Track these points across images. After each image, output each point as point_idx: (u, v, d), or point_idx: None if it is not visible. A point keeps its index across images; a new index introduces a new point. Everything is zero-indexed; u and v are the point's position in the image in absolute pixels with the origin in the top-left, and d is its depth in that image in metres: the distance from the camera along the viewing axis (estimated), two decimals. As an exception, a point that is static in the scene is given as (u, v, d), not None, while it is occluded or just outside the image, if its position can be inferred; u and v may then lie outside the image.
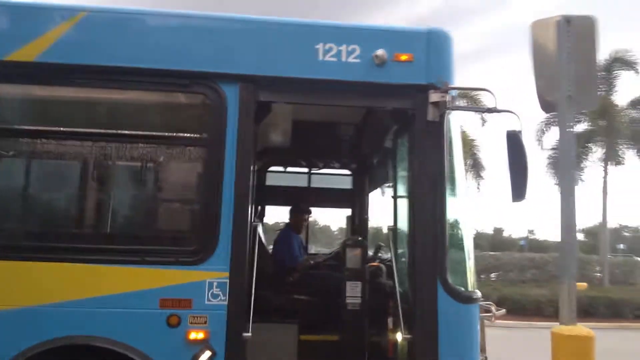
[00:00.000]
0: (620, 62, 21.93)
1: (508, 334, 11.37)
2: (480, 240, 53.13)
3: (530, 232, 61.07)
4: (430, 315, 3.34)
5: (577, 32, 3.38)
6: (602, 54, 21.64)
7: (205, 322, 3.16)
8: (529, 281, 21.48)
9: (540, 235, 70.98)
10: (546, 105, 3.53)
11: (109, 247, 3.32)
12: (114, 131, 3.43)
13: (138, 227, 3.65)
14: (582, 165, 22.43)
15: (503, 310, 4.77)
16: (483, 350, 4.13)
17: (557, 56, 3.37)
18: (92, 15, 3.42)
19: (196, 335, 3.14)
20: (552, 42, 3.41)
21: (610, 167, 22.76)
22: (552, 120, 21.53)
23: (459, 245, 3.72)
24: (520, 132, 3.46)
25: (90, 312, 3.12)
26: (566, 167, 3.44)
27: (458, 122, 3.82)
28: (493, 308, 4.34)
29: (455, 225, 3.68)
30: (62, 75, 3.38)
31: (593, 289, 17.57)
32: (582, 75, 3.36)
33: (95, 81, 3.41)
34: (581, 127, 22.72)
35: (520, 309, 14.49)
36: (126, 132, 3.43)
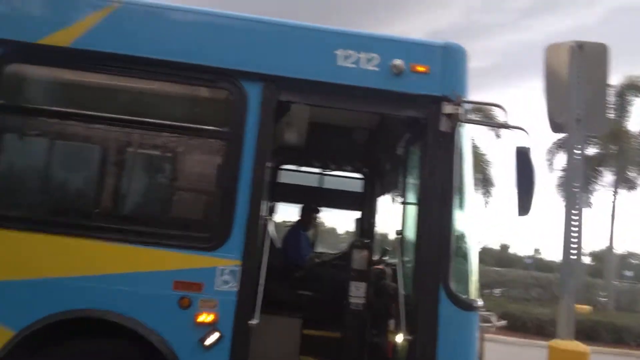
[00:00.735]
0: (633, 88, 21.82)
1: (508, 350, 11.41)
2: (486, 256, 52.81)
3: (537, 251, 60.56)
4: (431, 319, 3.42)
5: (589, 57, 3.49)
6: (615, 80, 21.56)
7: (214, 307, 3.30)
8: (533, 299, 21.37)
9: (546, 255, 70.42)
10: (556, 127, 3.64)
11: (129, 228, 3.47)
12: (140, 119, 3.58)
13: (157, 210, 3.81)
14: (591, 189, 22.32)
15: (504, 322, 4.87)
16: (481, 359, 4.23)
17: (568, 79, 3.48)
18: (126, 6, 3.58)
19: (205, 318, 3.28)
20: (564, 66, 3.52)
21: (622, 192, 22.64)
22: (563, 141, 21.51)
23: (463, 254, 3.80)
24: (529, 149, 3.57)
25: (107, 288, 3.27)
26: (572, 187, 3.54)
27: (470, 136, 3.94)
28: (493, 318, 4.42)
29: (460, 234, 3.77)
30: (96, 61, 3.54)
31: (597, 313, 17.39)
32: (592, 99, 3.47)
33: (126, 70, 3.56)
34: (592, 150, 22.64)
35: (522, 327, 14.44)
36: (151, 120, 3.58)
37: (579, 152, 3.52)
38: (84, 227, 3.44)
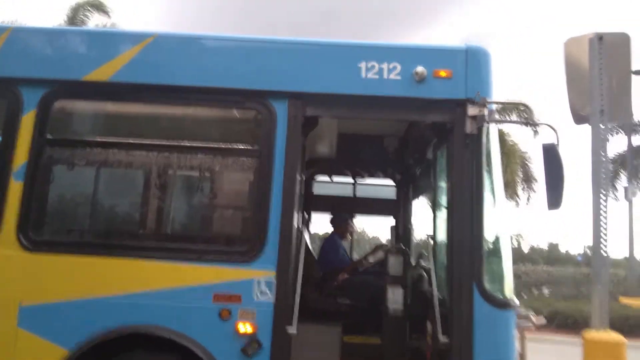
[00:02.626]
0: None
1: (556, 348, 11.11)
2: (535, 255, 51.35)
3: (589, 247, 58.37)
4: (467, 319, 3.46)
5: (610, 48, 3.49)
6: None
7: (253, 317, 3.44)
8: (583, 296, 20.66)
9: (599, 251, 67.47)
10: (579, 119, 3.64)
11: (170, 246, 3.70)
12: (177, 143, 3.80)
13: (195, 228, 4.02)
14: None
15: (543, 320, 4.80)
16: (522, 358, 4.20)
17: (589, 71, 3.49)
18: (159, 39, 3.82)
19: (245, 328, 3.42)
20: (585, 59, 3.53)
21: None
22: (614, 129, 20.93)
23: (496, 253, 3.83)
24: (555, 144, 3.58)
25: (152, 304, 3.46)
26: (598, 179, 3.54)
27: (496, 135, 3.97)
28: (533, 317, 4.39)
29: (492, 234, 3.80)
30: (133, 93, 3.79)
31: (653, 306, 16.70)
32: (615, 90, 3.46)
33: (161, 98, 3.80)
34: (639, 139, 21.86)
35: (573, 324, 14.02)
36: (187, 144, 3.79)
37: (604, 144, 3.51)
38: (130, 247, 3.67)
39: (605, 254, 3.35)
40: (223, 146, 3.81)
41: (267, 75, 3.75)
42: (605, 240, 3.41)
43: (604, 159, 3.57)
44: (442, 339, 3.57)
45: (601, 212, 3.36)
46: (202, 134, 4.00)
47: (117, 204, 4.07)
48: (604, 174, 3.58)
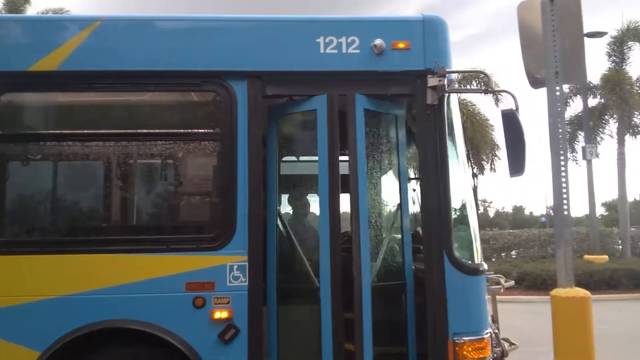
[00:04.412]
0: (633, 33, 21.68)
1: (529, 309, 11.53)
2: (501, 219, 52.81)
3: (551, 208, 60.26)
4: (439, 287, 3.52)
5: (562, 10, 3.53)
6: (615, 26, 21.44)
7: (228, 303, 3.42)
8: (550, 256, 21.40)
9: (562, 212, 69.75)
10: (535, 82, 3.70)
11: (137, 238, 3.61)
12: (134, 131, 3.69)
13: (162, 218, 3.93)
14: (597, 139, 22.28)
15: (512, 282, 4.95)
16: (495, 321, 4.31)
17: (543, 34, 3.54)
18: (106, 23, 3.66)
19: (220, 314, 3.40)
20: (538, 22, 3.57)
21: (630, 139, 22.59)
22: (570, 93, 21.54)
23: (464, 221, 3.90)
24: (516, 110, 3.63)
25: (123, 297, 3.39)
26: (556, 141, 3.62)
27: (457, 104, 4.00)
28: (502, 280, 4.52)
29: (459, 203, 3.85)
30: (83, 82, 3.63)
31: (614, 261, 17.43)
32: (569, 51, 3.52)
33: (115, 85, 3.66)
34: (594, 101, 22.57)
35: (541, 284, 14.51)
36: (145, 131, 3.68)
37: (560, 105, 3.58)
38: (96, 242, 3.59)
39: (566, 214, 3.44)
40: (183, 131, 3.74)
41: (224, 55, 3.66)
42: (567, 200, 3.51)
43: (560, 122, 3.64)
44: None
45: (561, 172, 3.44)
46: (161, 120, 3.91)
47: (78, 199, 3.93)
48: (561, 136, 3.66)
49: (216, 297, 3.42)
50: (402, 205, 3.94)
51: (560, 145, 3.65)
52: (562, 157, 3.50)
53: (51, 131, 3.78)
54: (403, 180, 4.02)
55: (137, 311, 3.37)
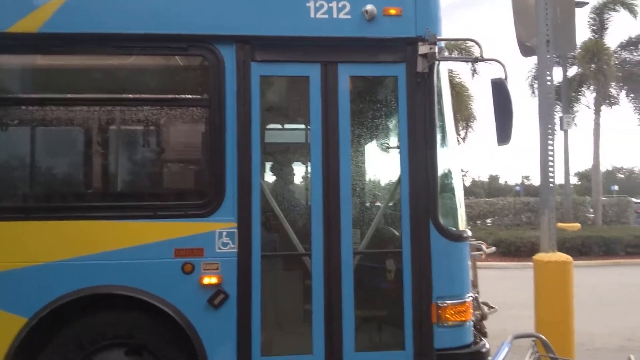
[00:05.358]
0: (611, 4, 21.87)
1: (503, 274, 11.87)
2: (476, 188, 53.69)
3: (526, 177, 61.50)
4: (424, 254, 3.58)
5: (554, -22, 3.53)
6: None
7: (217, 269, 3.43)
8: (524, 224, 21.95)
9: (535, 181, 71.36)
10: (526, 50, 3.72)
11: (125, 204, 3.57)
12: (120, 96, 3.61)
13: (150, 184, 3.89)
14: (574, 109, 22.64)
15: (493, 248, 5.08)
16: (475, 286, 4.44)
17: (534, 3, 3.53)
18: None
19: (209, 280, 3.42)
20: (531, -10, 3.57)
21: (605, 109, 23.01)
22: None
23: (449, 189, 3.95)
24: (505, 79, 3.64)
25: (111, 264, 3.37)
26: (545, 109, 3.66)
27: (446, 73, 3.98)
28: (484, 246, 4.63)
29: (445, 171, 3.89)
30: (66, 44, 3.51)
31: (586, 229, 17.96)
32: (559, 20, 3.53)
33: (99, 48, 3.55)
34: (573, 71, 22.82)
35: (516, 251, 14.92)
36: (131, 96, 3.61)
37: (549, 73, 3.61)
38: (83, 208, 3.54)
39: (552, 181, 3.51)
40: (171, 97, 3.66)
41: (212, 18, 3.57)
42: (552, 168, 3.57)
43: (550, 94, 3.67)
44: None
45: (548, 141, 3.50)
46: (147, 85, 3.82)
47: (65, 165, 3.86)
48: (550, 105, 3.70)
49: (205, 263, 3.43)
50: (398, 174, 3.96)
51: (549, 114, 3.69)
52: (550, 127, 3.54)
53: (36, 95, 3.66)
54: (394, 149, 4.03)
55: (126, 277, 3.37)
